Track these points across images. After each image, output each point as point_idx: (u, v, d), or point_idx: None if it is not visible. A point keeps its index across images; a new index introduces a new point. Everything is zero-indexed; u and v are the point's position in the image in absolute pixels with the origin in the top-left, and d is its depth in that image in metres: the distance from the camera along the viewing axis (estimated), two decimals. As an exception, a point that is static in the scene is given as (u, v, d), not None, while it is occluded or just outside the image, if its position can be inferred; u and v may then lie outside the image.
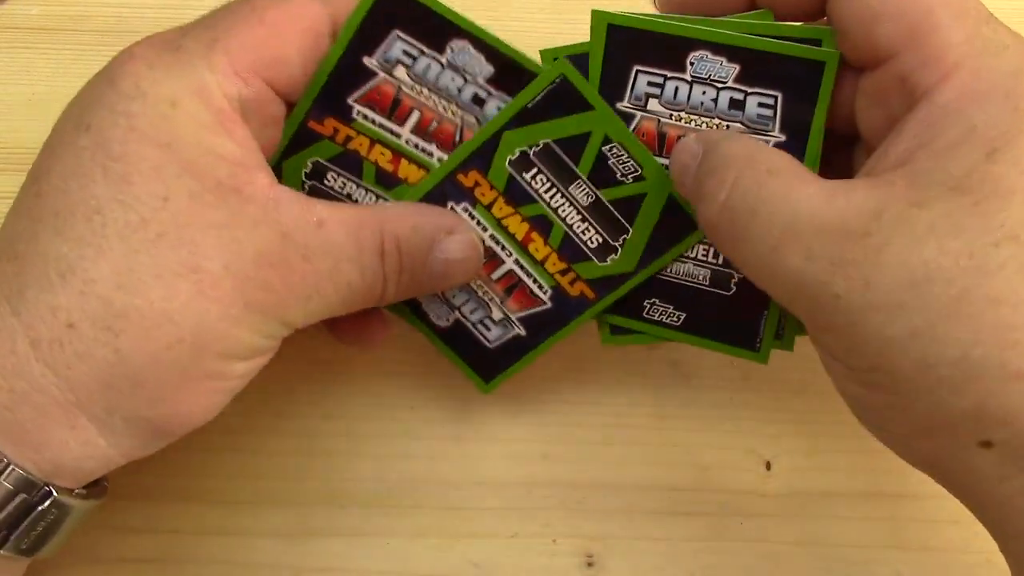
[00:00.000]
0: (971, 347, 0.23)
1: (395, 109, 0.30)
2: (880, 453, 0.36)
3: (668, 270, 0.31)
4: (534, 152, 0.30)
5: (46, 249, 0.25)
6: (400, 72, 0.30)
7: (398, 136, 0.30)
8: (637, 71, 0.29)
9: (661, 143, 0.30)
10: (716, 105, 0.29)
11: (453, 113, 0.30)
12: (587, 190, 0.30)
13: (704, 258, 0.31)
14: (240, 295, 0.26)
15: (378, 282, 0.29)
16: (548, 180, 0.30)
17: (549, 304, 0.31)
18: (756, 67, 0.28)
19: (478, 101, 0.30)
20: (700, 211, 0.27)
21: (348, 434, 0.36)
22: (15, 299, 0.25)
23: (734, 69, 0.29)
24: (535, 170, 0.30)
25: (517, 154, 0.30)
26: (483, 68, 0.29)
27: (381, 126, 0.30)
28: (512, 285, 0.31)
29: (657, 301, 0.31)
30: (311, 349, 0.37)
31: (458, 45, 0.29)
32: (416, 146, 0.30)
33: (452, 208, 0.30)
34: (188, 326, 0.25)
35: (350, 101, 0.30)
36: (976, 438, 0.24)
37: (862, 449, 0.37)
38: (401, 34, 0.29)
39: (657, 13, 0.29)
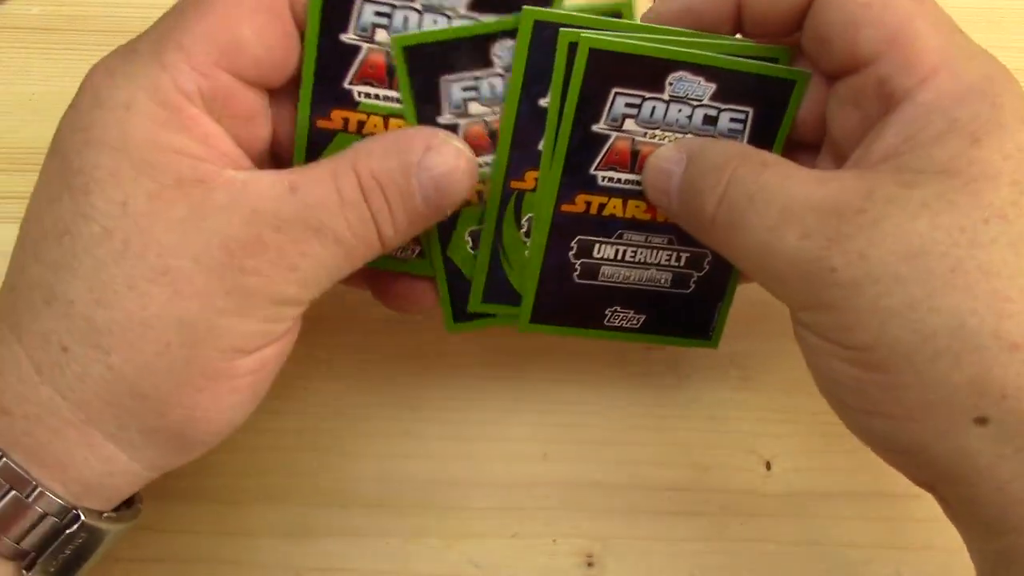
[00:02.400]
0: (968, 316, 0.23)
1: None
2: (880, 453, 0.36)
3: (631, 278, 0.32)
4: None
5: (30, 277, 0.26)
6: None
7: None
8: (616, 93, 0.29)
9: (634, 160, 0.30)
10: (691, 122, 0.30)
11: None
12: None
13: (667, 263, 0.32)
14: (218, 285, 0.25)
15: (370, 228, 0.27)
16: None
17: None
18: (732, 86, 0.29)
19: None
20: (693, 207, 0.28)
21: (348, 434, 0.36)
22: (16, 328, 0.26)
23: (711, 88, 0.29)
24: None
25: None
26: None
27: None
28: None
29: (619, 308, 0.32)
30: (311, 348, 0.37)
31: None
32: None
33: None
34: (171, 330, 0.25)
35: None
36: (971, 414, 0.24)
37: (862, 449, 0.36)
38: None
39: (633, 32, 0.29)
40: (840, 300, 0.25)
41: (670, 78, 0.29)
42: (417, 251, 0.31)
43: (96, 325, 0.25)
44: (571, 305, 0.32)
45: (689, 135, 0.30)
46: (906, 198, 0.24)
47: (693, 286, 0.32)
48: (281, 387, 0.36)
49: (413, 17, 0.28)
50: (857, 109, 0.27)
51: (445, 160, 0.27)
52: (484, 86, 0.29)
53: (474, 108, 0.29)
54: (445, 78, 0.29)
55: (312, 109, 0.29)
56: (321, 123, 0.29)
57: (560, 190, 0.30)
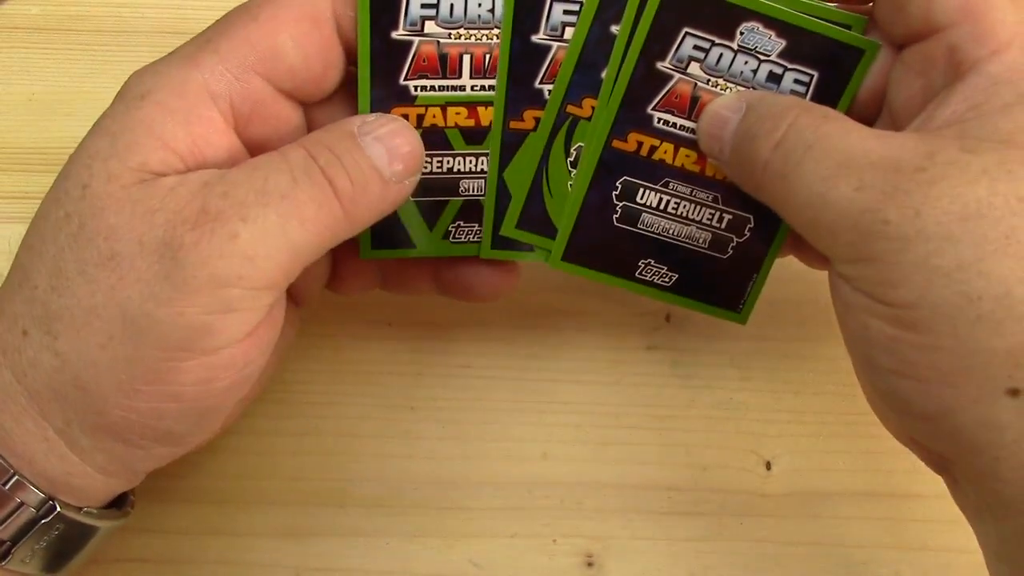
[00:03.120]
0: (1016, 284, 0.23)
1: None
2: (880, 453, 0.36)
3: (670, 232, 0.31)
4: None
5: (16, 259, 0.26)
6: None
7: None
8: (686, 33, 0.29)
9: (692, 107, 0.30)
10: (755, 76, 0.30)
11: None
12: None
13: (709, 222, 0.31)
14: (157, 269, 0.24)
15: (320, 182, 0.25)
16: None
17: None
18: (802, 45, 0.29)
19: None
20: (747, 153, 0.28)
21: (348, 434, 0.36)
22: None
23: (781, 44, 0.29)
24: None
25: None
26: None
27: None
28: None
29: (652, 261, 0.32)
30: (310, 348, 0.37)
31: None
32: None
33: None
34: (115, 321, 0.24)
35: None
36: (1005, 384, 0.23)
37: (862, 449, 0.37)
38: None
39: None
40: (889, 254, 0.24)
41: (742, 27, 0.29)
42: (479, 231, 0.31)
43: (51, 310, 0.25)
44: (606, 248, 0.32)
45: (751, 89, 0.30)
46: (967, 162, 0.24)
47: (731, 252, 0.32)
48: (281, 388, 0.36)
49: (459, 3, 0.29)
50: (922, 77, 0.27)
51: (384, 122, 0.27)
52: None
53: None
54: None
55: (613, 128, 0.30)
56: (617, 144, 0.30)
57: (614, 124, 0.30)
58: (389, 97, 0.29)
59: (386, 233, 0.31)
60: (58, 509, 0.26)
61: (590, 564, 0.35)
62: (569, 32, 0.29)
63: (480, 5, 0.29)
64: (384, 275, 0.33)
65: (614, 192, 0.31)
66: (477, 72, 0.29)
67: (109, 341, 0.24)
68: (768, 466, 0.36)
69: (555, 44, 0.29)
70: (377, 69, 0.29)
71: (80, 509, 0.26)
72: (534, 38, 0.29)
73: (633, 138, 0.30)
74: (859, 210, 0.25)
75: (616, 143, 0.30)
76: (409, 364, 0.37)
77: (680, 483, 0.36)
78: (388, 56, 0.29)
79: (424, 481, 0.36)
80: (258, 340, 0.26)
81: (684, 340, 0.38)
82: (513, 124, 0.30)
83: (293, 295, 0.32)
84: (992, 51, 0.25)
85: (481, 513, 0.36)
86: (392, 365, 0.37)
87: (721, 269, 0.32)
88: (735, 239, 0.32)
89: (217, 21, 0.27)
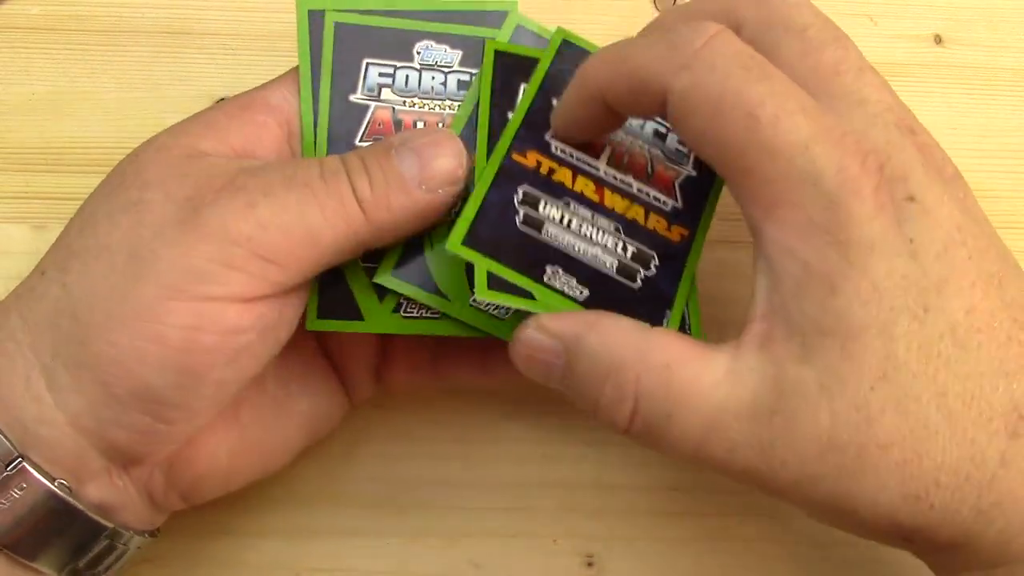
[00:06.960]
0: (879, 493, 0.24)
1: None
2: (880, 453, 0.36)
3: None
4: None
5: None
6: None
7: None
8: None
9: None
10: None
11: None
12: None
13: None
14: (174, 215, 0.26)
15: (342, 179, 0.27)
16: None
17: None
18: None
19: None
20: (599, 415, 0.27)
21: (348, 434, 0.36)
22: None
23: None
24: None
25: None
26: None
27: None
28: None
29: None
30: (311, 349, 0.37)
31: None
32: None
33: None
34: (122, 256, 0.26)
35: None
36: (897, 544, 0.27)
37: (862, 449, 0.37)
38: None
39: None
40: (777, 492, 0.26)
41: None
42: (511, 311, 0.31)
43: (72, 250, 0.27)
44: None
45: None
46: (806, 383, 0.24)
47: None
48: (281, 387, 0.36)
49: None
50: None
51: (424, 133, 0.29)
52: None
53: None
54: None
55: (512, 143, 0.30)
56: (516, 156, 0.30)
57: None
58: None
59: (334, 304, 0.30)
60: (23, 464, 0.26)
61: (590, 564, 0.35)
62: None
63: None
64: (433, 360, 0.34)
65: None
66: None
67: (112, 272, 0.26)
68: (768, 466, 0.36)
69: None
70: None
71: (54, 480, 0.26)
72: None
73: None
74: (737, 469, 0.25)
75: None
76: (409, 364, 0.37)
77: (680, 483, 0.36)
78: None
79: (424, 481, 0.36)
80: (254, 310, 0.26)
81: (684, 340, 0.38)
82: None
83: (344, 381, 0.34)
84: (765, 214, 0.25)
85: (481, 513, 0.36)
86: (392, 365, 0.37)
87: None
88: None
89: None
